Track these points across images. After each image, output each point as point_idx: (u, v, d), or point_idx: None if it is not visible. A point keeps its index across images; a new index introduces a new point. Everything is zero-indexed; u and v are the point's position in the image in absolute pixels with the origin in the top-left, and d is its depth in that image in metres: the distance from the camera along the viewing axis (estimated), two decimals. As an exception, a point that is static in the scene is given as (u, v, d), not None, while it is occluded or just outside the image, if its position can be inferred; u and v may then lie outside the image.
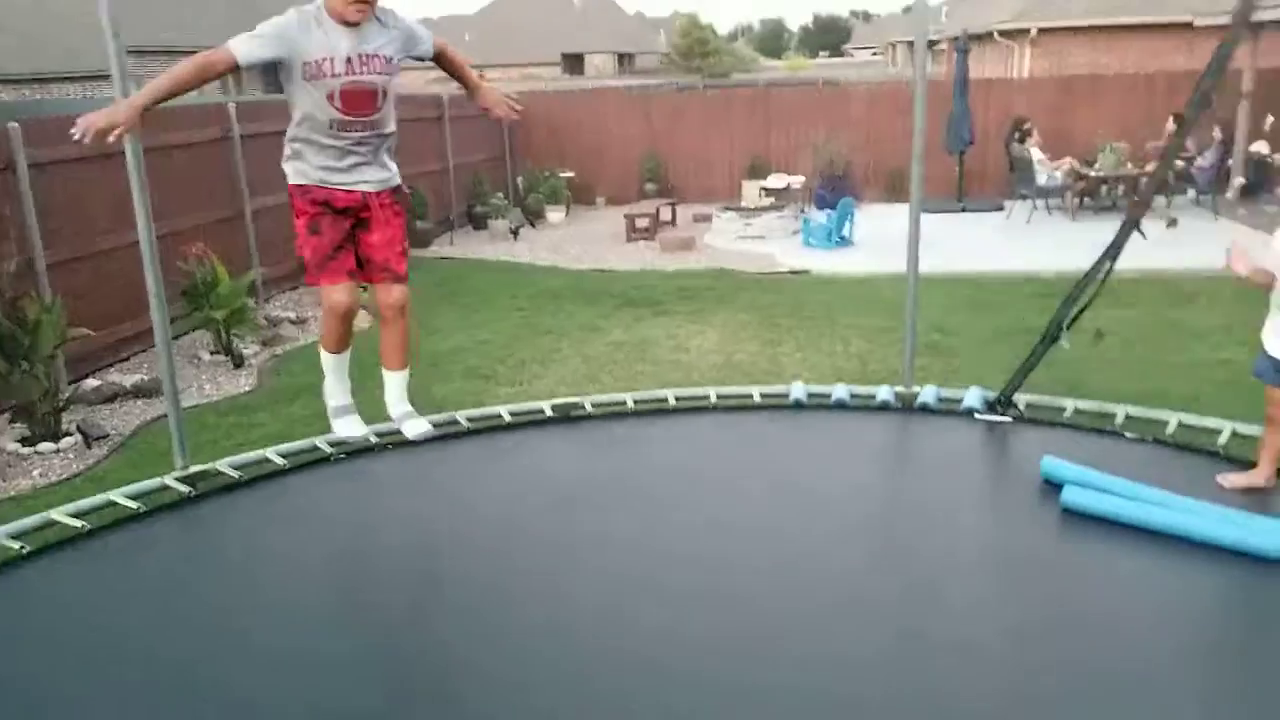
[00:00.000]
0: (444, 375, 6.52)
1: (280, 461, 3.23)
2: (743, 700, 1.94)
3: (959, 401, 3.53)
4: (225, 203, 8.31)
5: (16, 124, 6.14)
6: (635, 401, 3.61)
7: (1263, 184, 11.22)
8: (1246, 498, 2.93)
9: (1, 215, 5.91)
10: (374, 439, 3.39)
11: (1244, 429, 3.34)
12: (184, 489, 3.09)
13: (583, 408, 3.53)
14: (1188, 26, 13.90)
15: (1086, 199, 11.44)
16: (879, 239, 10.46)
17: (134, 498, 3.01)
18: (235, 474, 3.17)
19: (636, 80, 36.15)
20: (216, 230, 7.92)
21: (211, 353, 7.02)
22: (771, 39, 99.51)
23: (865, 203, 12.61)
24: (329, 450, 3.30)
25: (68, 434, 5.35)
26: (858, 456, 3.20)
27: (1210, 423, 3.41)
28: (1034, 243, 10.20)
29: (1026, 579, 2.52)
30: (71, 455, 5.22)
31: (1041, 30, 15.20)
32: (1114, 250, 3.04)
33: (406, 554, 2.76)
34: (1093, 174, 11.29)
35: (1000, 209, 12.02)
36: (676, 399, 3.65)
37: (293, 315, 8.17)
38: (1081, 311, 3.15)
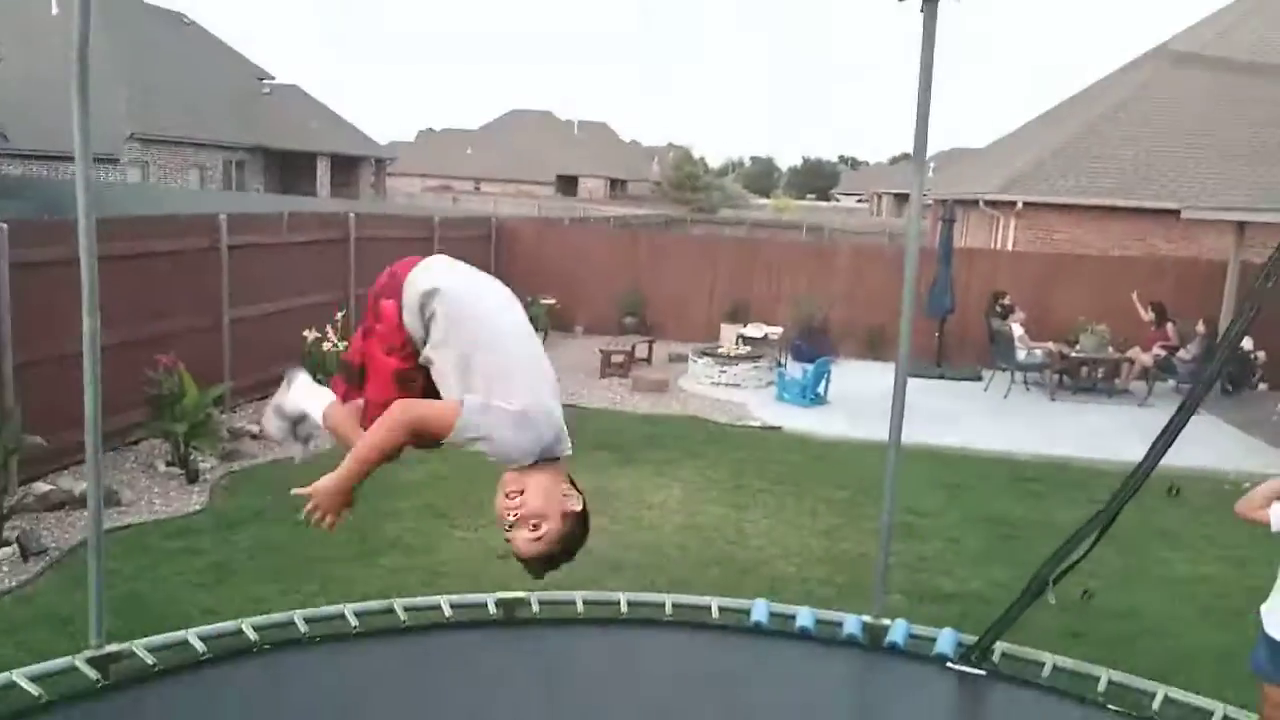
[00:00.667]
0: (398, 513, 6.20)
1: (200, 649, 2.89)
2: None
3: (931, 641, 3.22)
4: (205, 311, 8.21)
5: (5, 225, 6.07)
6: (585, 603, 3.28)
7: (1245, 380, 11.36)
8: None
9: None
10: (303, 628, 3.04)
11: (1236, 715, 3.03)
12: (93, 675, 2.74)
13: (529, 606, 3.20)
14: (1174, 214, 14.43)
15: (1066, 378, 11.50)
16: (855, 398, 10.36)
17: (37, 679, 2.66)
18: (150, 660, 2.82)
19: (627, 209, 37.13)
20: (193, 338, 7.83)
21: (167, 463, 6.79)
22: (761, 176, 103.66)
23: (843, 358, 12.62)
24: (253, 638, 2.96)
25: (6, 543, 5.20)
26: (812, 707, 2.83)
27: (1200, 702, 3.10)
28: (1012, 420, 10.13)
29: None
30: (6, 568, 5.04)
31: (1027, 204, 15.73)
32: (1108, 515, 2.82)
33: None
34: (1074, 354, 11.38)
35: (978, 379, 12.04)
36: (629, 604, 3.33)
37: (254, 429, 7.87)
38: (1070, 569, 2.91)
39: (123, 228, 7.47)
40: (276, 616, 3.10)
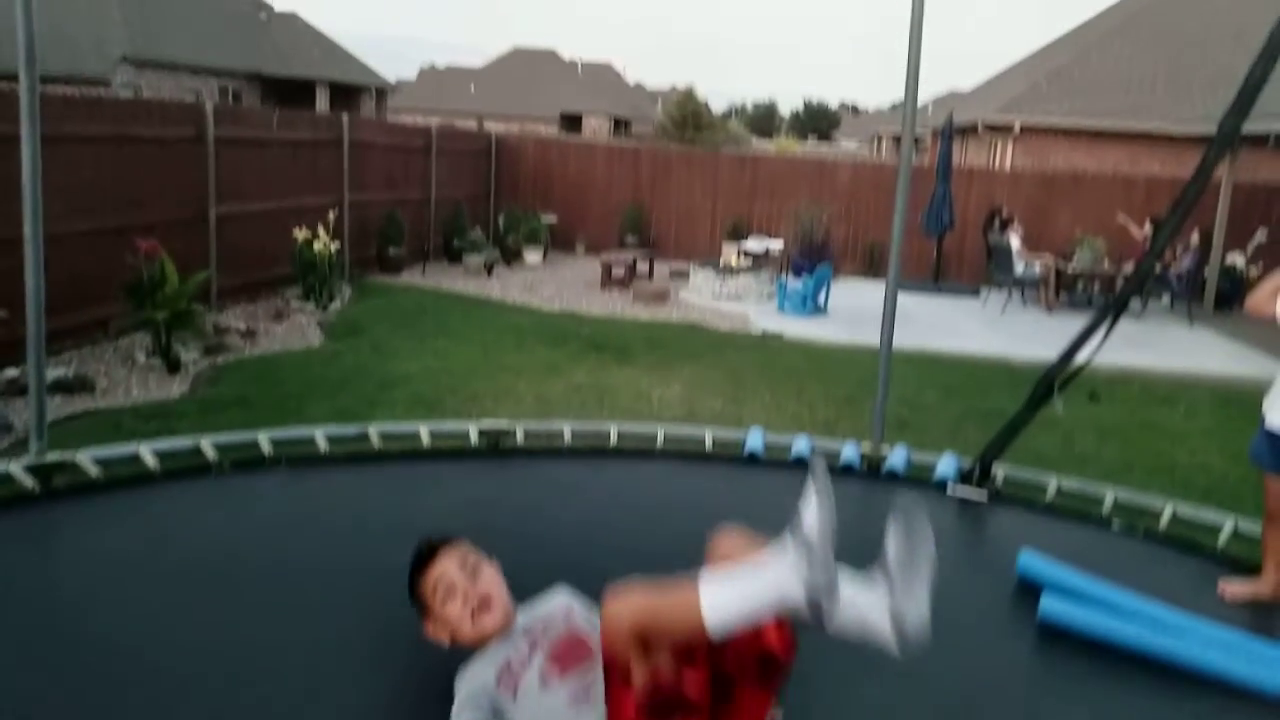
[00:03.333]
0: (387, 401, 6.14)
1: (151, 464, 2.78)
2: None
3: (930, 469, 3.19)
4: (190, 204, 7.99)
5: None
6: (573, 434, 3.23)
7: (1236, 295, 11.28)
8: (1253, 613, 2.57)
9: None
10: (268, 449, 2.96)
11: (1247, 527, 3.01)
12: (29, 483, 2.63)
13: (514, 437, 3.14)
14: (1167, 138, 14.21)
15: (1063, 293, 11.41)
16: (853, 310, 10.30)
17: None
18: (94, 471, 2.71)
19: (630, 145, 36.54)
20: (177, 230, 7.62)
21: (148, 354, 6.61)
22: (763, 120, 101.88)
23: (842, 275, 12.53)
24: (211, 456, 2.86)
25: None
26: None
27: (1209, 516, 3.08)
28: (1008, 331, 10.09)
29: (991, 709, 2.11)
30: None
31: (1025, 128, 15.47)
32: (1118, 305, 2.77)
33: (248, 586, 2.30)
34: (1070, 269, 11.29)
35: (976, 294, 11.96)
36: (619, 435, 3.28)
37: (242, 326, 7.79)
38: (1078, 373, 2.86)
39: (102, 108, 7.26)
40: (239, 435, 2.99)
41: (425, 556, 1.96)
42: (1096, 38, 17.18)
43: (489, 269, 11.76)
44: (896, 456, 3.25)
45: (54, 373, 5.92)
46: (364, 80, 30.85)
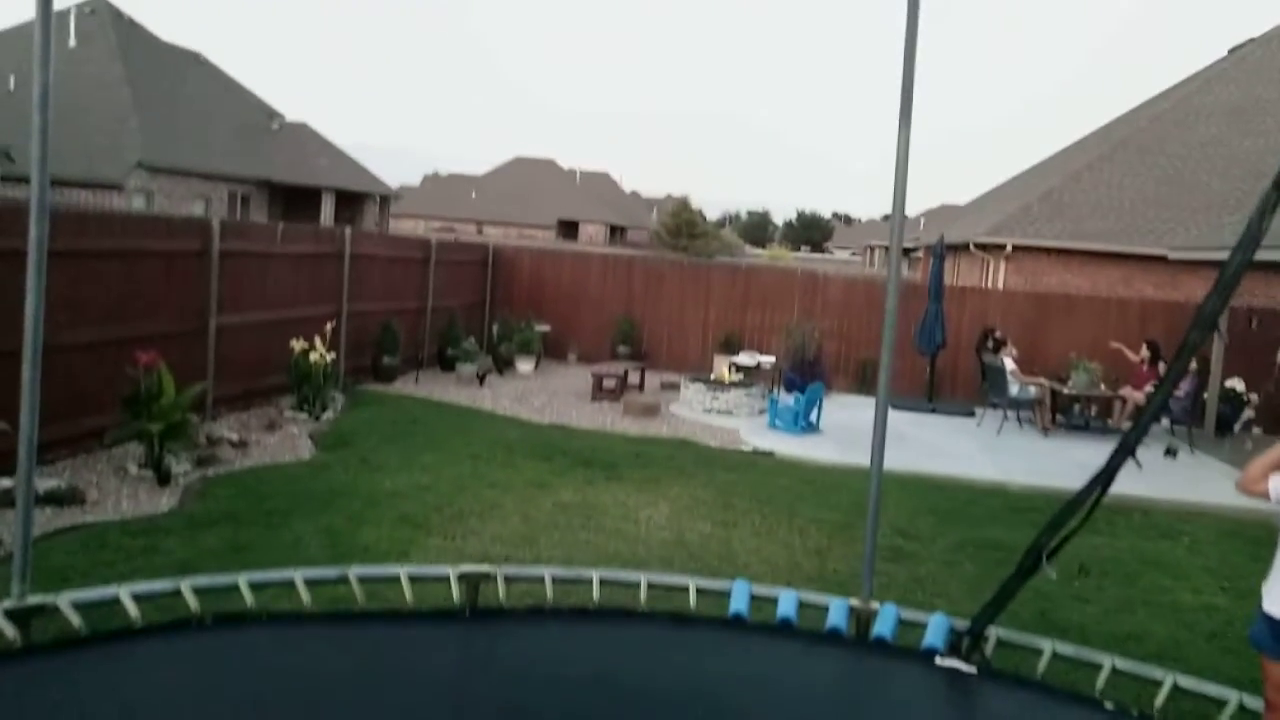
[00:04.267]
0: (375, 519, 6.05)
1: (132, 612, 2.69)
2: None
3: (921, 627, 3.07)
4: (192, 315, 8.13)
5: None
6: (554, 580, 3.12)
7: (1235, 419, 11.29)
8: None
9: None
10: (249, 597, 2.86)
11: (1251, 702, 2.87)
12: (11, 633, 2.53)
13: (494, 581, 3.03)
14: (1161, 260, 14.50)
15: (1059, 415, 11.42)
16: (846, 428, 10.26)
17: None
18: (75, 620, 2.62)
19: (625, 254, 37.33)
20: (177, 341, 7.75)
21: (140, 466, 6.62)
22: (757, 229, 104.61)
23: (835, 391, 12.56)
24: (194, 607, 2.77)
25: None
26: (792, 709, 2.62)
27: (1211, 689, 2.92)
28: (1004, 453, 10.03)
29: None
30: None
31: (1017, 247, 15.83)
32: (1106, 476, 2.72)
33: None
34: (1066, 391, 11.32)
35: (971, 415, 11.96)
36: (601, 582, 3.16)
37: (234, 437, 7.74)
38: (1066, 540, 2.78)
39: (113, 223, 7.43)
40: (220, 578, 2.90)
41: None
42: (1087, 161, 17.80)
43: (481, 379, 11.77)
44: (885, 619, 3.13)
45: (47, 483, 5.92)
46: (369, 187, 31.72)
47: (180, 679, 2.45)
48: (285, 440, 8.08)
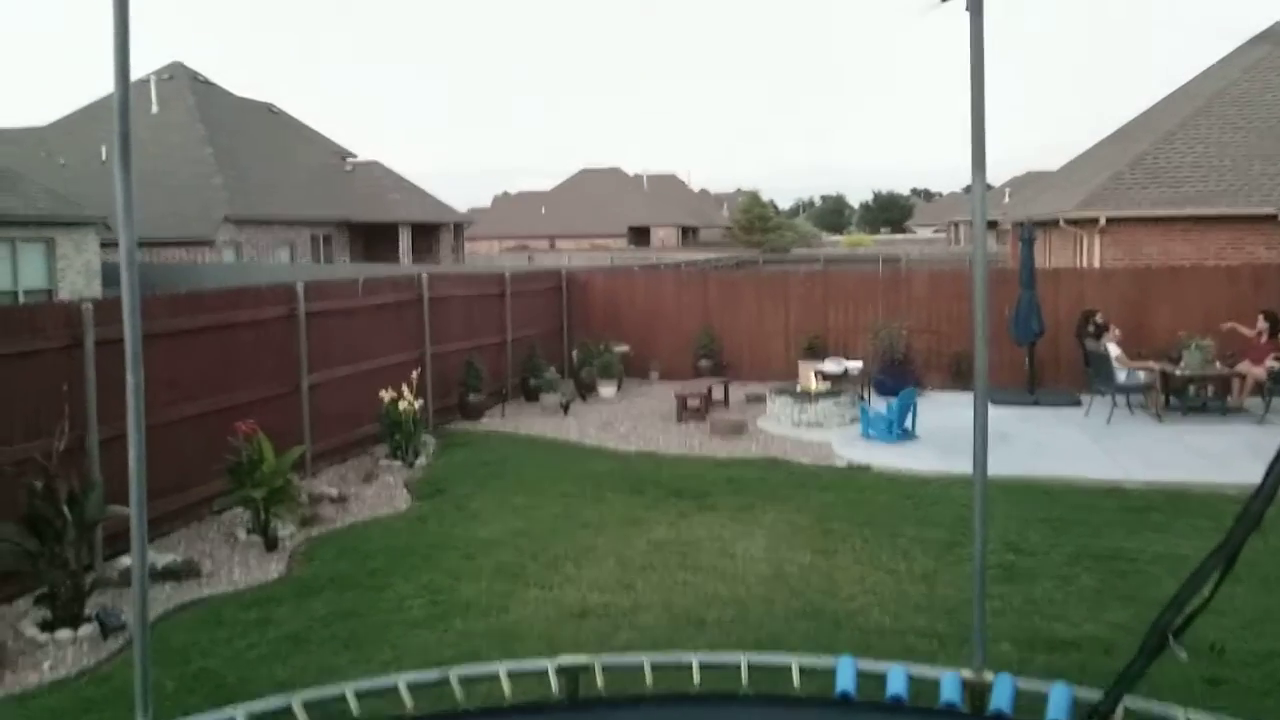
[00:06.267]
0: (474, 573, 6.11)
1: None
2: None
3: (1042, 697, 2.84)
4: (284, 378, 8.41)
5: (90, 304, 6.36)
6: (653, 667, 3.03)
7: None
8: None
9: (60, 393, 5.92)
10: (354, 706, 2.87)
11: None
12: None
13: (592, 672, 2.98)
14: (1271, 219, 13.51)
15: (1172, 398, 10.72)
16: (944, 432, 9.86)
17: None
18: None
19: (698, 254, 37.17)
20: (273, 404, 8.02)
21: (248, 531, 6.89)
22: (832, 215, 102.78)
23: (929, 389, 12.11)
24: (301, 718, 2.80)
25: (88, 619, 5.25)
26: None
27: None
28: (1116, 445, 9.46)
29: None
30: (86, 646, 5.11)
31: (1110, 219, 14.98)
32: (1231, 549, 2.45)
33: None
34: (1179, 373, 10.62)
35: (1077, 404, 11.35)
36: (701, 666, 3.05)
37: (334, 492, 7.97)
38: (1195, 616, 2.52)
39: (202, 301, 7.74)
40: (328, 689, 2.94)
41: None
42: (1179, 120, 16.73)
43: (565, 407, 11.81)
44: (1002, 691, 2.91)
45: (163, 558, 6.24)
46: (442, 216, 32.48)
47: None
48: (382, 491, 8.26)
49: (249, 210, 24.17)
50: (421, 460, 9.18)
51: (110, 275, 16.11)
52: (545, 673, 3.02)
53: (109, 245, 18.62)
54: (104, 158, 23.24)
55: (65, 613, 5.19)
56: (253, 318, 8.03)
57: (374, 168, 32.13)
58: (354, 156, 32.45)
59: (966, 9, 2.78)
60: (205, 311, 7.55)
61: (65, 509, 5.16)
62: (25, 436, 5.71)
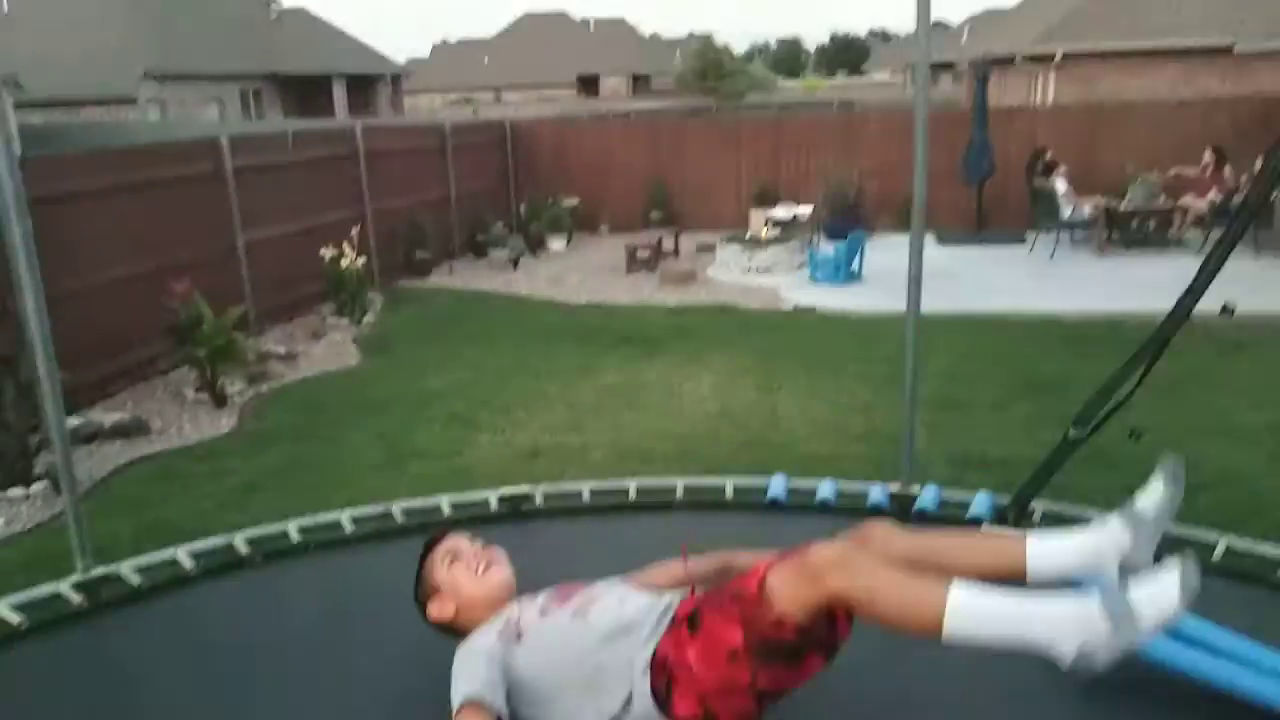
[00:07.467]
0: (427, 420, 6.18)
1: (189, 565, 2.81)
2: None
3: (964, 507, 3.02)
4: (219, 236, 8.12)
5: (25, 160, 5.98)
6: (592, 493, 3.14)
7: None
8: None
9: None
10: (296, 538, 2.94)
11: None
12: (76, 599, 2.69)
13: (533, 501, 3.07)
14: (1225, 52, 13.37)
15: (1114, 233, 10.90)
16: (890, 273, 9.93)
17: (21, 609, 2.62)
18: (137, 581, 2.76)
19: (650, 103, 35.92)
20: (209, 264, 7.78)
21: (196, 390, 6.84)
22: (788, 58, 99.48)
23: (878, 232, 12.15)
24: (245, 551, 2.88)
25: (39, 478, 5.24)
26: None
27: (1270, 550, 2.80)
28: (1059, 280, 9.69)
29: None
30: (40, 502, 5.11)
31: (1067, 55, 14.70)
32: (1158, 344, 2.55)
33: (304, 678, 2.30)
34: (1122, 208, 10.75)
35: (1022, 241, 11.51)
36: (638, 490, 3.17)
37: (282, 350, 7.90)
38: (1111, 413, 2.65)
39: (121, 158, 7.35)
40: (269, 528, 3.00)
41: (434, 539, 2.13)
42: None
43: (515, 262, 11.68)
44: (927, 497, 3.08)
45: (110, 416, 6.23)
46: (378, 68, 30.74)
47: (237, 617, 2.60)
48: (331, 348, 8.21)
49: (170, 65, 22.61)
50: (369, 318, 9.09)
51: (27, 139, 15.12)
52: (487, 503, 3.12)
53: (22, 106, 17.43)
54: (5, 9, 21.38)
55: (13, 472, 5.18)
56: (178, 174, 7.66)
57: (300, 15, 30.09)
58: (278, 4, 30.23)
59: None
60: (124, 170, 7.17)
61: (-1, 371, 5.06)
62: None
